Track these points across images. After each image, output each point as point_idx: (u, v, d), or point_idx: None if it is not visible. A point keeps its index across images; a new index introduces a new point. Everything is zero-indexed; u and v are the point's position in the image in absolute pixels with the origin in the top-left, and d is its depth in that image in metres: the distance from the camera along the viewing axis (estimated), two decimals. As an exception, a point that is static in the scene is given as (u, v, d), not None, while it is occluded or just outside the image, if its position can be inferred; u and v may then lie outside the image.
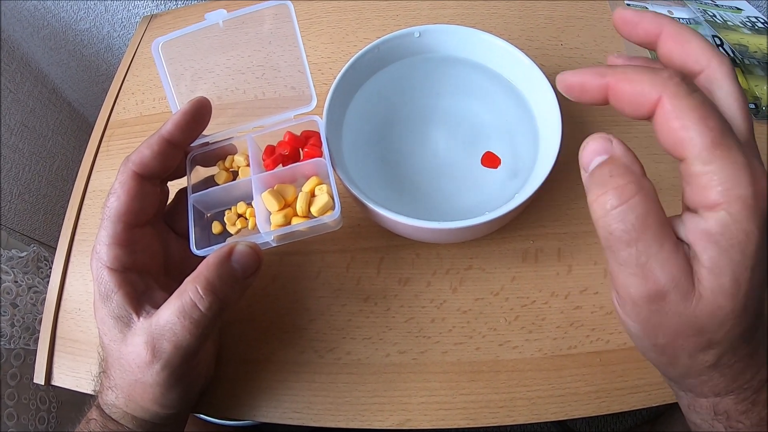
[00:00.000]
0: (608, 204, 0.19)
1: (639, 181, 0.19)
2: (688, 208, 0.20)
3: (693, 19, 0.49)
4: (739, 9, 0.51)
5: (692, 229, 0.19)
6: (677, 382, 0.24)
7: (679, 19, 0.49)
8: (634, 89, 0.20)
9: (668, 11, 0.49)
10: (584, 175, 0.21)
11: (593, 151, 0.20)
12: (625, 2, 0.49)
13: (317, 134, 0.31)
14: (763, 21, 0.49)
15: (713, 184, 0.18)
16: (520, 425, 0.35)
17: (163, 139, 0.28)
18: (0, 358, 0.50)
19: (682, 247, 0.19)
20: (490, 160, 0.32)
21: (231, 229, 0.31)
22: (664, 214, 0.19)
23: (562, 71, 0.23)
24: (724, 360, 0.21)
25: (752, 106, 0.42)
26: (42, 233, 0.70)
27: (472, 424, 0.31)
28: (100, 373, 0.30)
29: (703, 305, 0.19)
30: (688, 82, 0.19)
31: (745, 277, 0.19)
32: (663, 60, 0.22)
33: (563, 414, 0.31)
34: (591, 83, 0.21)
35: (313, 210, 0.29)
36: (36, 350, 0.38)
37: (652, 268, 0.19)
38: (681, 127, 0.19)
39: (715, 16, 0.49)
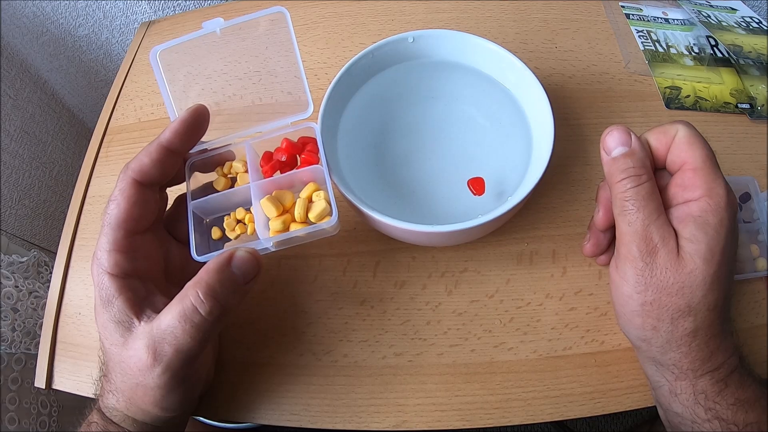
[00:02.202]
0: (628, 185, 0.27)
1: (649, 172, 0.27)
2: (672, 206, 0.27)
3: (687, 19, 0.49)
4: (733, 9, 0.51)
5: (680, 215, 0.27)
6: (659, 360, 0.27)
7: (673, 20, 0.49)
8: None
9: (663, 12, 0.50)
10: (605, 157, 0.28)
11: (617, 140, 0.27)
12: (620, 4, 0.49)
13: (314, 140, 0.32)
14: (757, 21, 0.50)
15: (700, 183, 0.26)
16: (519, 427, 0.36)
17: (162, 146, 0.29)
18: (1, 363, 0.50)
19: (671, 223, 0.27)
20: (476, 186, 0.33)
21: (230, 235, 0.31)
22: (660, 198, 0.27)
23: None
24: (701, 333, 0.26)
25: (747, 106, 0.42)
26: (42, 238, 0.71)
27: (467, 426, 0.32)
28: (100, 376, 0.30)
29: (683, 264, 0.25)
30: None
31: (717, 248, 0.25)
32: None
33: (558, 415, 0.32)
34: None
35: (311, 216, 0.29)
36: (37, 354, 0.38)
37: (650, 230, 0.26)
38: (687, 148, 0.27)
39: (709, 16, 0.49)
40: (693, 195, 0.26)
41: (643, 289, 0.26)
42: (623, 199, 0.27)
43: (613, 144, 0.28)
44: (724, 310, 0.27)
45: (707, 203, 0.26)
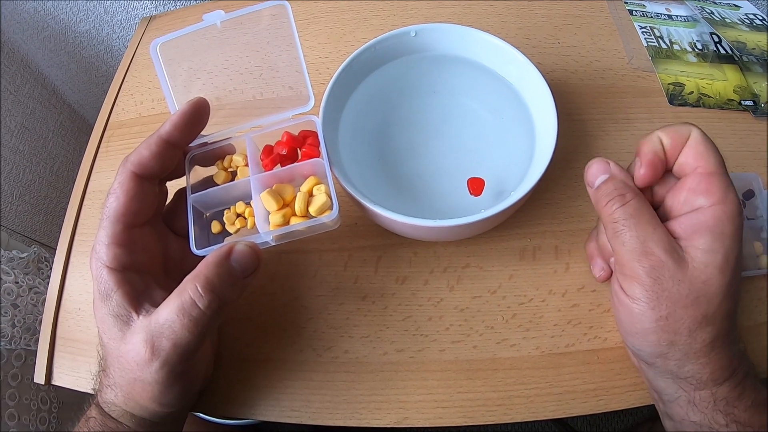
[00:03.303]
0: (614, 206, 0.27)
1: (633, 189, 0.27)
2: (683, 213, 0.27)
3: (691, 16, 0.49)
4: (737, 6, 0.51)
5: (689, 224, 0.26)
6: (676, 373, 0.26)
7: (677, 16, 0.49)
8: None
9: (666, 8, 0.49)
10: (591, 191, 0.28)
11: (597, 171, 0.28)
12: (623, 0, 0.49)
13: (315, 134, 0.31)
14: (761, 18, 0.49)
15: (715, 190, 0.25)
16: (521, 424, 0.35)
17: (162, 139, 0.29)
18: (1, 359, 0.50)
19: (673, 232, 0.26)
20: (475, 186, 0.32)
21: (230, 229, 0.31)
22: (653, 211, 0.27)
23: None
24: (719, 342, 0.25)
25: (750, 103, 0.42)
26: (42, 234, 0.70)
27: (469, 422, 0.31)
28: (99, 371, 0.30)
29: (697, 274, 0.25)
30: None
31: (732, 257, 0.25)
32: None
33: (561, 412, 0.31)
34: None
35: (312, 210, 0.29)
36: (37, 351, 0.38)
37: (650, 246, 0.25)
38: (702, 152, 0.26)
39: (713, 13, 0.49)
40: (706, 201, 0.25)
41: (656, 304, 0.25)
42: (613, 221, 0.26)
43: (593, 176, 0.28)
44: (736, 315, 0.26)
45: (723, 211, 0.25)
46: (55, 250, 0.41)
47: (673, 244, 0.25)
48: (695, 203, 0.26)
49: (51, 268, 0.41)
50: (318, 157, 0.30)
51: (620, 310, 0.27)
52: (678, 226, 0.26)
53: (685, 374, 0.26)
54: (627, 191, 0.27)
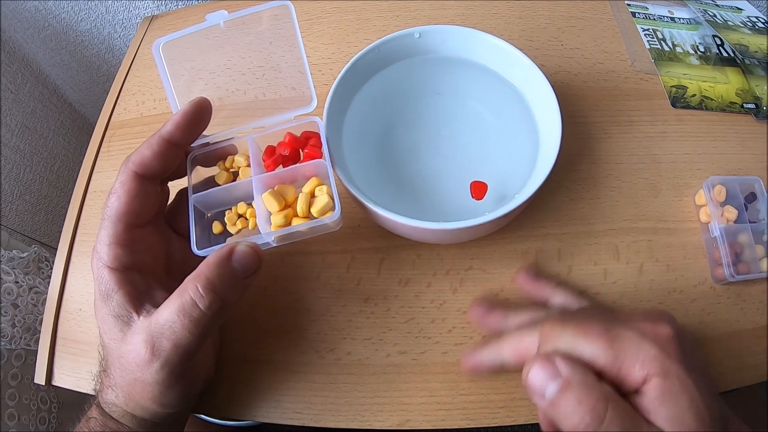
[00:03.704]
0: (591, 428, 0.21)
1: (600, 390, 0.21)
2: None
3: (693, 18, 0.49)
4: (739, 9, 0.51)
5: (643, 404, 0.21)
6: None
7: (679, 18, 0.49)
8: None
9: (669, 11, 0.49)
10: (541, 402, 0.22)
11: (543, 379, 0.22)
12: (626, 2, 0.49)
13: (317, 135, 0.31)
14: (763, 21, 0.49)
15: (629, 367, 0.21)
16: (522, 428, 0.35)
17: (164, 139, 0.29)
18: (1, 359, 0.50)
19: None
20: (478, 190, 0.32)
21: (231, 229, 0.31)
22: (628, 405, 0.21)
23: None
24: None
25: (752, 106, 0.42)
26: (43, 234, 0.70)
27: (472, 425, 0.31)
28: (100, 372, 0.30)
29: None
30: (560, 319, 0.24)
31: (696, 406, 0.21)
32: None
33: (563, 414, 0.31)
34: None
35: (314, 211, 0.29)
36: (37, 351, 0.38)
37: None
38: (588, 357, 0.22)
39: (715, 16, 0.49)
40: (637, 380, 0.21)
41: None
42: None
43: (540, 385, 0.22)
44: (719, 416, 0.22)
45: (658, 379, 0.21)
46: (56, 250, 0.41)
47: None
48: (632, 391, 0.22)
49: (51, 268, 0.41)
50: (320, 158, 0.30)
51: None
52: (643, 399, 0.22)
53: None
54: (596, 398, 0.21)
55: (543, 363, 0.22)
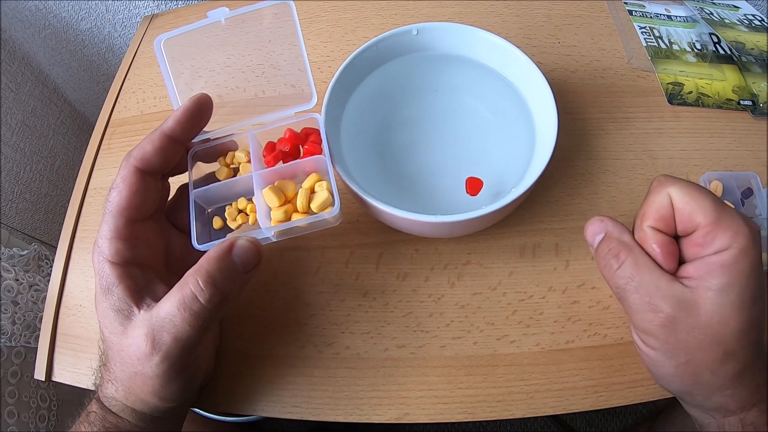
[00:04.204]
0: (613, 267, 0.26)
1: (627, 245, 0.26)
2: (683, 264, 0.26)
3: (690, 16, 0.49)
4: (736, 7, 0.51)
5: (701, 267, 0.25)
6: (704, 405, 0.26)
7: (676, 16, 0.49)
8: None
9: (665, 9, 0.50)
10: (592, 250, 0.29)
11: (593, 233, 0.28)
12: (623, 0, 0.49)
13: (317, 131, 0.31)
14: (760, 19, 0.50)
15: (721, 234, 0.24)
16: (520, 422, 0.36)
17: (165, 134, 0.29)
18: (1, 356, 0.50)
19: (677, 281, 0.25)
20: (473, 186, 0.32)
21: (232, 225, 0.31)
22: (652, 264, 0.26)
23: None
24: (746, 373, 0.25)
25: (749, 102, 0.42)
26: (43, 232, 0.71)
27: (470, 418, 0.31)
28: (100, 366, 0.30)
29: (711, 316, 0.24)
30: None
31: (748, 293, 0.24)
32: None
33: (561, 408, 0.31)
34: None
35: (313, 206, 0.29)
36: (37, 348, 0.38)
37: (656, 303, 0.25)
38: (694, 209, 0.25)
39: (712, 13, 0.49)
40: (715, 248, 0.24)
41: (673, 354, 0.25)
42: (615, 286, 0.27)
43: (591, 236, 0.28)
44: (762, 342, 0.25)
45: (736, 249, 0.24)
46: (56, 247, 0.41)
47: (680, 294, 0.24)
48: (706, 253, 0.25)
49: (51, 266, 0.41)
50: (320, 154, 0.30)
51: (641, 355, 0.27)
52: (691, 267, 0.25)
53: (712, 405, 0.26)
54: (621, 250, 0.26)
55: (596, 221, 0.28)
